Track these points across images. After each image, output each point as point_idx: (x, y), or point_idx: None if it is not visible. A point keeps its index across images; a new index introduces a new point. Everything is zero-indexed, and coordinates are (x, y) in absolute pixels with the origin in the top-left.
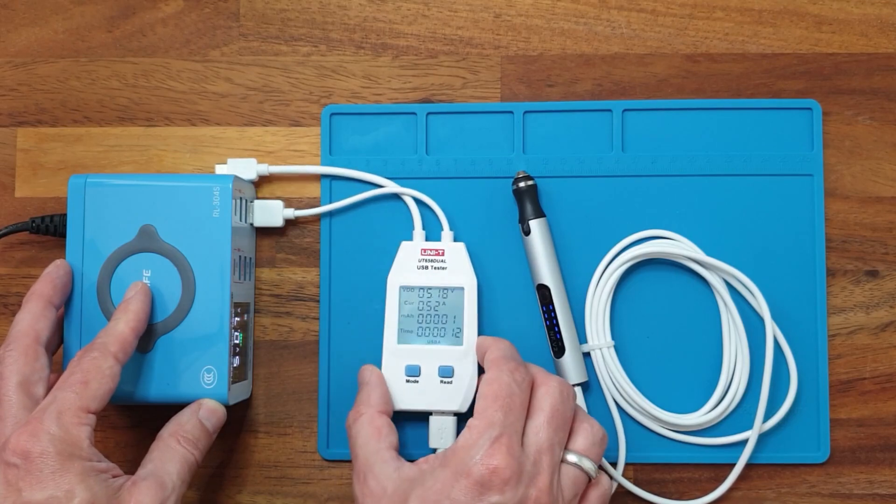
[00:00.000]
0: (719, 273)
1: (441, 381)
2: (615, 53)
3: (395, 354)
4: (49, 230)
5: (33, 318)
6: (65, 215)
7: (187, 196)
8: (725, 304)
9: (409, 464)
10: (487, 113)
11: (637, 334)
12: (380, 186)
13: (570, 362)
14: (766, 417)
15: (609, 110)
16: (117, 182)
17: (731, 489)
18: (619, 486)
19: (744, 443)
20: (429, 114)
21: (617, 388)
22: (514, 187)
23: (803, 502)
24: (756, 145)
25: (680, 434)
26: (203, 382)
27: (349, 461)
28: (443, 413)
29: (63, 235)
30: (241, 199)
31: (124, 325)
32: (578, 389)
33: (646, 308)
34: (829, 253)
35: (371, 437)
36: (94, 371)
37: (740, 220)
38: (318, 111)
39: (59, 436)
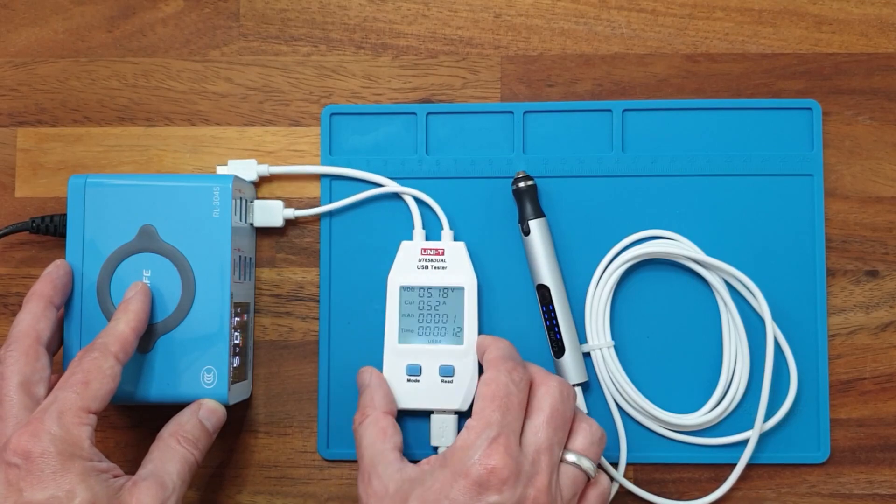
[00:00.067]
0: (719, 273)
1: (442, 381)
2: (615, 53)
3: (397, 354)
4: (49, 230)
5: (34, 318)
6: (65, 215)
7: (187, 196)
8: (725, 304)
9: (411, 465)
10: (487, 113)
11: (637, 334)
12: (380, 186)
13: (570, 362)
14: (767, 417)
15: (609, 110)
16: (117, 182)
17: (731, 489)
18: (620, 486)
19: (744, 443)
20: (429, 114)
21: (617, 388)
22: (514, 187)
23: (803, 502)
24: (756, 145)
25: (680, 434)
26: (203, 382)
27: (349, 461)
28: (444, 412)
29: (63, 235)
30: (241, 199)
31: (125, 325)
32: (578, 389)
33: (646, 308)
34: (829, 253)
35: (376, 438)
36: (95, 371)
37: (740, 220)
38: (318, 111)
39: (60, 436)
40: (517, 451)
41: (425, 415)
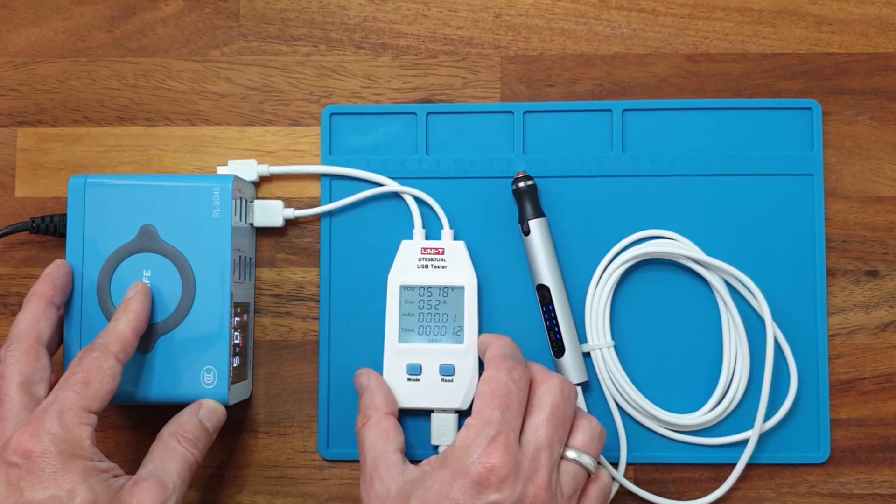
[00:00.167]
0: (719, 273)
1: (442, 380)
2: (615, 53)
3: (397, 353)
4: (49, 230)
5: (34, 318)
6: (65, 215)
7: (187, 196)
8: (725, 304)
9: (413, 466)
10: (487, 113)
11: (637, 334)
12: (380, 185)
13: (570, 362)
14: (767, 417)
15: (609, 110)
16: (117, 182)
17: (731, 489)
18: (620, 486)
19: (744, 443)
20: (429, 114)
21: (617, 388)
22: (514, 187)
23: (803, 502)
24: (756, 145)
25: (680, 434)
26: (203, 382)
27: (349, 461)
28: (444, 411)
29: (63, 235)
30: (241, 198)
31: (125, 324)
32: (578, 389)
33: (646, 308)
34: (829, 253)
35: (379, 439)
36: (96, 371)
37: (740, 220)
38: (318, 111)
39: (61, 435)
40: (516, 449)
41: (426, 414)
